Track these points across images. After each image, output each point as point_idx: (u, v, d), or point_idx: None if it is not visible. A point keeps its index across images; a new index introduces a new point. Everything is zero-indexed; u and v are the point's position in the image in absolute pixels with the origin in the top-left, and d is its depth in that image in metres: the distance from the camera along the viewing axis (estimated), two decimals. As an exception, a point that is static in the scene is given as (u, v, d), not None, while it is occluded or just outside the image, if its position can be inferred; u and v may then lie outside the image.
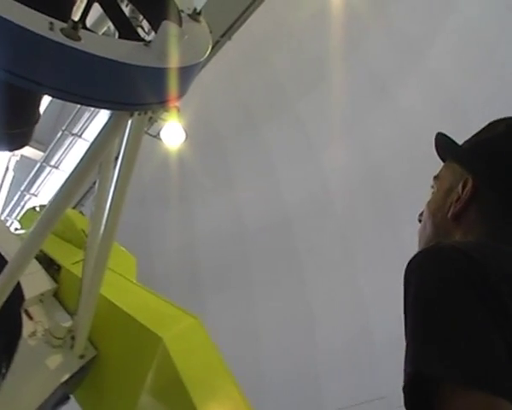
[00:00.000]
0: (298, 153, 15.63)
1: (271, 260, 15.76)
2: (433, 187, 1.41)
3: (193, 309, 4.22)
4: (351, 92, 14.36)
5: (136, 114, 2.62)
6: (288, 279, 15.42)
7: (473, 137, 1.38)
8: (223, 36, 10.94)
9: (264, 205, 15.88)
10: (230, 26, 11.09)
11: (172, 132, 9.96)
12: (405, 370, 0.98)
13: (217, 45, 11.17)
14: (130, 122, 2.85)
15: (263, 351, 15.23)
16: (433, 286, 1.04)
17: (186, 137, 10.03)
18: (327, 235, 15.39)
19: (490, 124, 1.38)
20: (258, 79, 15.19)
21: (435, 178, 1.40)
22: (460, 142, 1.46)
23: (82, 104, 2.58)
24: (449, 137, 1.40)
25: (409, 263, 1.14)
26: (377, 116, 14.27)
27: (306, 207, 15.45)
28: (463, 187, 1.32)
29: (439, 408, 0.96)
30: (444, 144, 1.41)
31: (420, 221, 1.42)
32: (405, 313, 1.11)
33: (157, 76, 2.30)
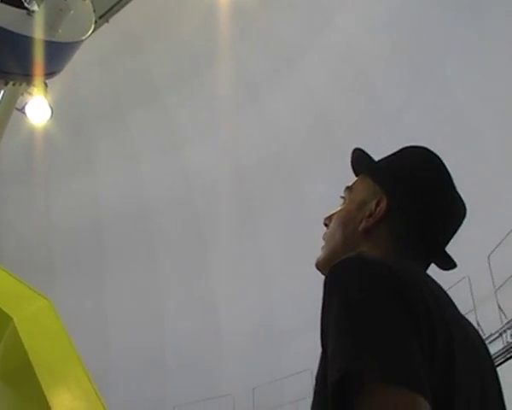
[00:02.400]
0: (163, 145, 15.55)
1: (126, 249, 15.56)
2: (343, 197, 1.48)
3: (42, 292, 4.08)
4: (222, 92, 14.49)
5: (10, 83, 2.52)
6: (140, 271, 15.29)
7: (390, 156, 1.46)
8: (101, 17, 10.66)
9: (123, 193, 15.65)
10: (110, 8, 10.83)
11: (37, 108, 9.51)
12: (334, 367, 1.02)
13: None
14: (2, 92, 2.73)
15: (111, 339, 15.00)
16: (356, 292, 1.11)
17: (51, 115, 9.61)
18: (184, 229, 15.43)
19: (407, 148, 1.47)
20: (130, 66, 14.95)
21: (348, 188, 1.47)
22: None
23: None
24: (366, 153, 1.48)
25: (331, 270, 1.19)
26: (246, 119, 14.50)
27: (166, 199, 15.41)
28: (377, 205, 1.39)
29: (360, 405, 1.00)
30: (361, 159, 1.49)
31: (326, 225, 1.48)
32: (325, 314, 1.15)
33: (38, 48, 2.24)
